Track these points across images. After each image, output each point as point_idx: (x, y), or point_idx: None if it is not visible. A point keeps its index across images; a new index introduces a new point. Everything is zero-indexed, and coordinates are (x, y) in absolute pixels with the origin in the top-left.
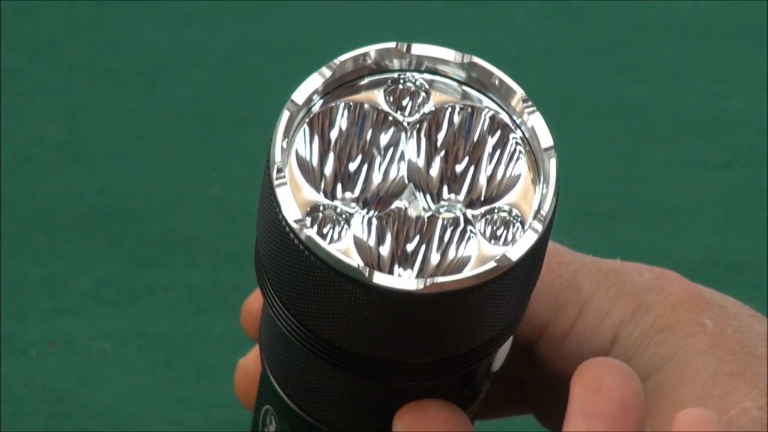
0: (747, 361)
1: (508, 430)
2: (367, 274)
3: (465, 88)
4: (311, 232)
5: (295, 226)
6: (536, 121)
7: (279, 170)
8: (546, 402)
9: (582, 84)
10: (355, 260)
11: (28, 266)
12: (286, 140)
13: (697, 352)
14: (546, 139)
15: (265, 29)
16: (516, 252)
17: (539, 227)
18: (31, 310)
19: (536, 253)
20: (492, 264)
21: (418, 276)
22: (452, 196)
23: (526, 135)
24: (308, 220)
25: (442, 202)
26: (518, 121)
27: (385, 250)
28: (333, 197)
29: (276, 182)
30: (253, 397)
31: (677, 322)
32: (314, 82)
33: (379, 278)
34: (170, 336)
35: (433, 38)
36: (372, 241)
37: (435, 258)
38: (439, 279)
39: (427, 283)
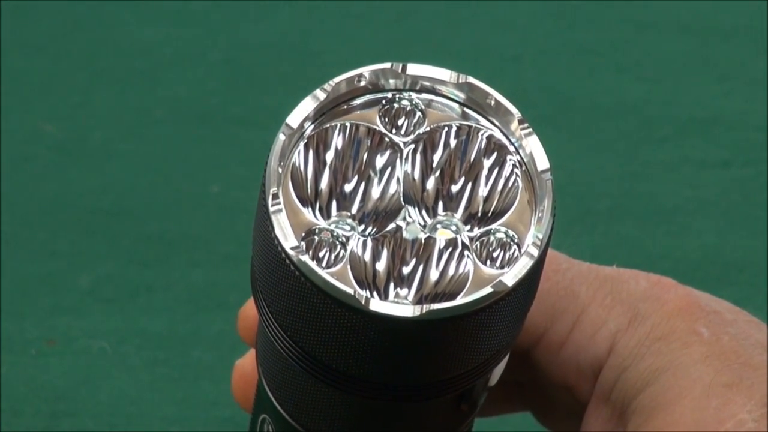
0: (743, 370)
1: (507, 429)
2: (363, 302)
3: (462, 108)
4: (307, 259)
5: (291, 253)
6: (532, 143)
7: (275, 196)
8: (544, 403)
9: (581, 83)
10: (350, 286)
11: (28, 265)
12: (282, 164)
13: (692, 363)
14: (542, 161)
15: (265, 29)
16: (512, 277)
17: (535, 252)
18: (31, 309)
19: (532, 277)
20: (488, 290)
21: (415, 296)
22: (448, 212)
23: (523, 156)
24: (304, 245)
25: (438, 217)
26: (515, 142)
27: (381, 271)
28: (328, 216)
29: (272, 209)
30: (249, 398)
31: (673, 332)
32: (308, 105)
33: (376, 305)
34: (169, 335)
35: (433, 38)
36: (368, 263)
37: (434, 275)
38: (435, 306)
39: (423, 310)
